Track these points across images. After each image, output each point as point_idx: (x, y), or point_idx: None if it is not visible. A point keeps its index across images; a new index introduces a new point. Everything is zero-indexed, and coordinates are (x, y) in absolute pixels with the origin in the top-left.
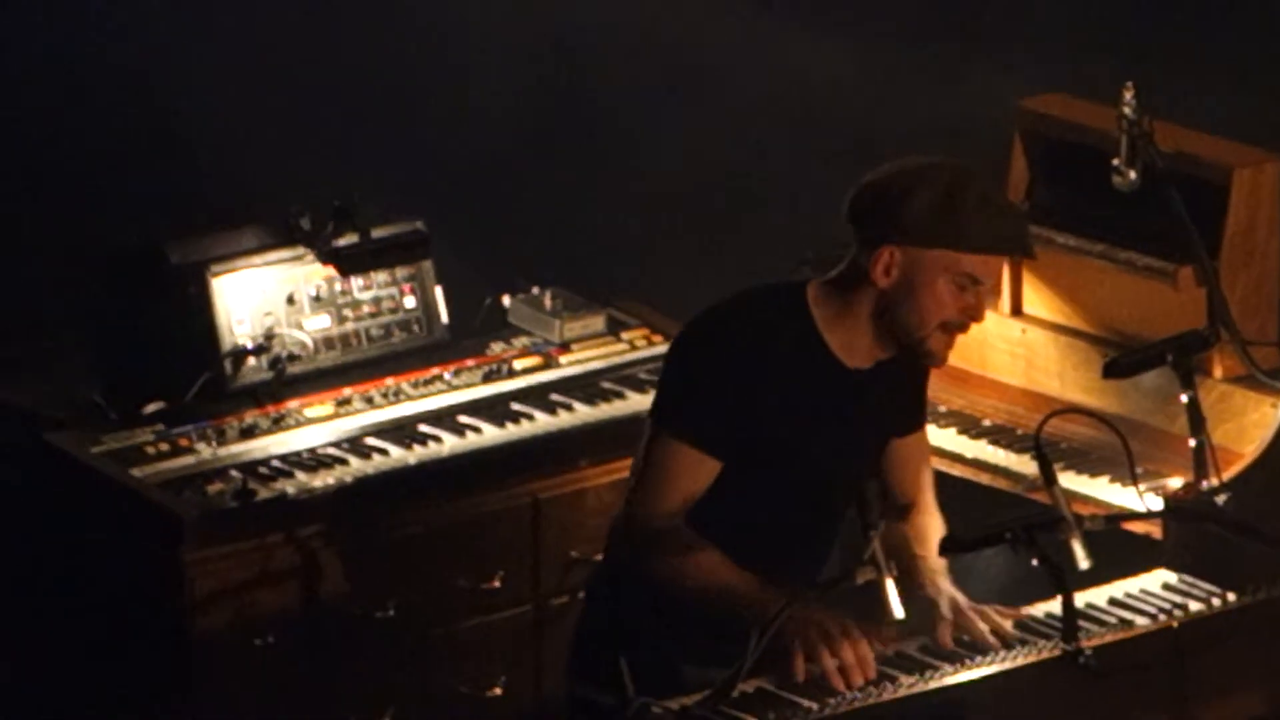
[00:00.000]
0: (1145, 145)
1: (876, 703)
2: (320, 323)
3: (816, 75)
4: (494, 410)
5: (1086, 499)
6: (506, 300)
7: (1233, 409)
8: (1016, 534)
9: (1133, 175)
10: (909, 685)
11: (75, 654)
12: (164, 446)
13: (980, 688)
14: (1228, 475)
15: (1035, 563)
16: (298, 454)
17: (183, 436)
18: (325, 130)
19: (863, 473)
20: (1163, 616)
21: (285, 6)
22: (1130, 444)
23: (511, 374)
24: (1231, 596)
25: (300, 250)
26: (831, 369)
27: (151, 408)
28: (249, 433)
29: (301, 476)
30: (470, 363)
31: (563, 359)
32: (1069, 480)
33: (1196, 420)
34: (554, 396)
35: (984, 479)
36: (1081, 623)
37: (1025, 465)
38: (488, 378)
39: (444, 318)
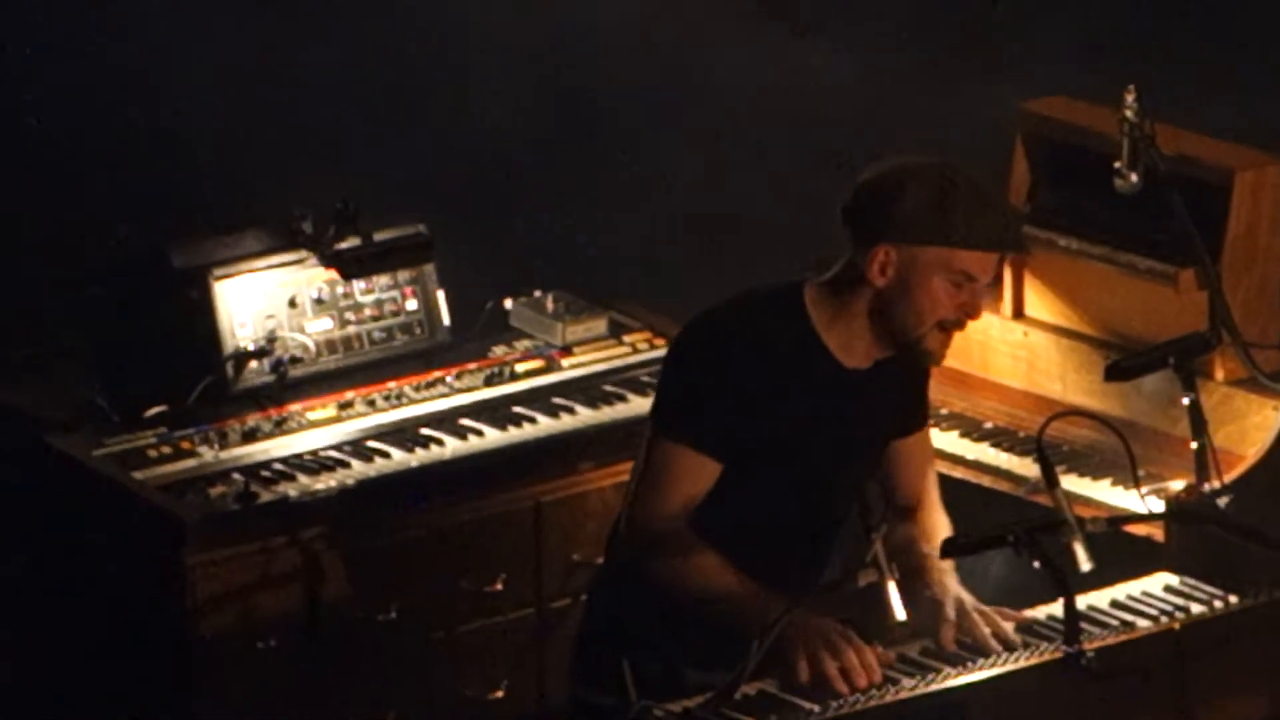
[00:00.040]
0: (1147, 148)
1: (878, 705)
2: (322, 326)
3: (818, 79)
4: (496, 413)
5: (1088, 501)
6: (508, 303)
7: (1234, 411)
8: (1018, 536)
9: (1134, 178)
10: (910, 687)
11: (77, 657)
12: (166, 449)
13: (982, 690)
14: (1229, 478)
15: (1037, 565)
16: (300, 457)
17: (185, 439)
18: (326, 131)
19: (863, 473)
20: (1164, 619)
21: (286, 9)
22: (1132, 446)
23: (513, 377)
24: (1233, 599)
25: (302, 253)
26: (830, 369)
27: (153, 411)
28: (251, 436)
29: (303, 479)
30: (472, 366)
31: (564, 362)
32: (1071, 483)
33: (1198, 423)
34: (556, 399)
35: (986, 481)
36: (1083, 625)
37: (1027, 468)
38: (489, 381)
39: (446, 321)
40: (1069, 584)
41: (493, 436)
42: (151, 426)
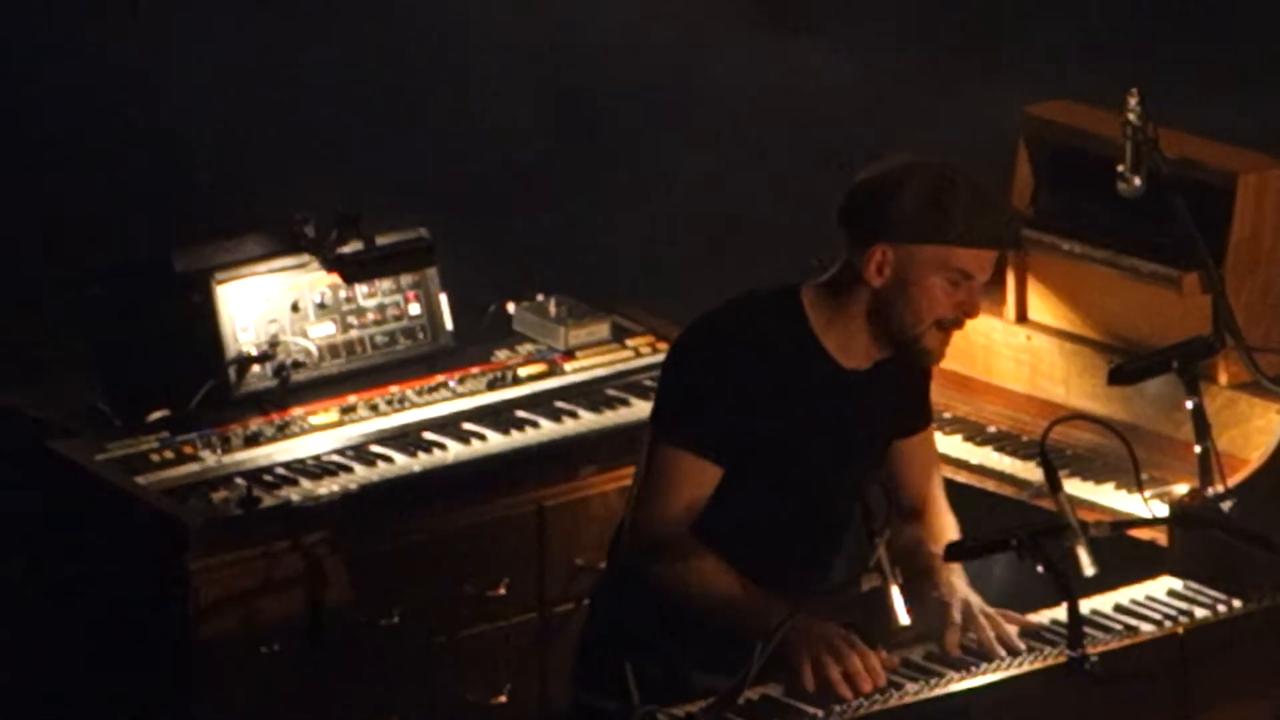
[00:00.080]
0: (1150, 151)
1: (882, 710)
2: (325, 330)
3: (818, 79)
4: (498, 417)
5: (1092, 505)
6: (511, 307)
7: (1238, 415)
8: (1021, 540)
9: (1137, 182)
10: (914, 692)
11: (79, 661)
12: (168, 454)
13: (985, 694)
14: (1233, 481)
15: (1040, 569)
16: (302, 461)
17: (187, 444)
18: (326, 131)
19: (864, 474)
20: (1168, 623)
21: (286, 9)
22: (1135, 450)
23: (516, 381)
24: (1237, 603)
25: (305, 258)
26: (829, 370)
27: (156, 415)
28: (253, 440)
29: (306, 484)
30: (475, 370)
31: (567, 366)
32: (1074, 487)
33: (1201, 426)
34: (558, 404)
35: (989, 485)
36: (1087, 629)
37: (1030, 472)
38: (492, 385)
39: (448, 325)
40: (1072, 588)
41: (495, 441)
42: (154, 431)
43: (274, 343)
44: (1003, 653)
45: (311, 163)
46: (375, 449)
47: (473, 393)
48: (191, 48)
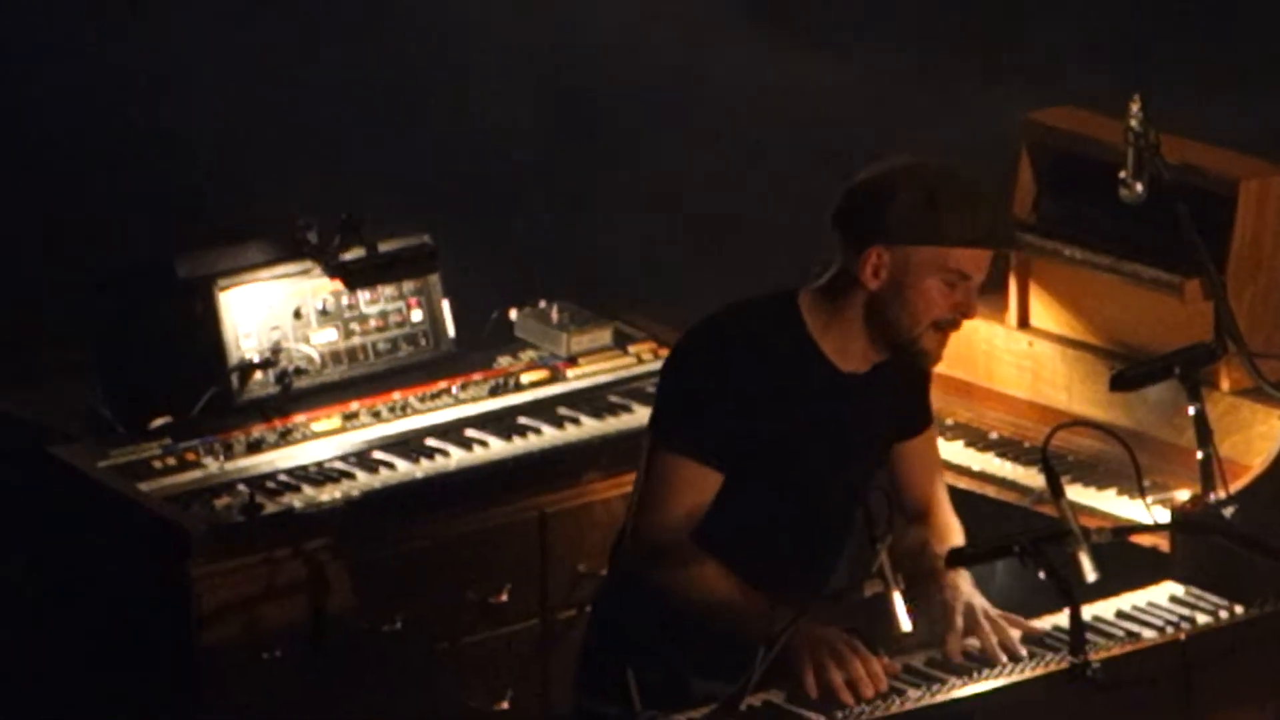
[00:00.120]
0: (1152, 158)
1: (884, 715)
2: (327, 336)
3: (818, 80)
4: (501, 424)
5: (1094, 511)
6: (513, 314)
7: (1240, 421)
8: (1024, 547)
9: (1139, 188)
10: (916, 698)
11: (82, 669)
12: (170, 460)
13: (988, 700)
14: (1235, 488)
15: (1042, 575)
16: (304, 468)
17: (189, 450)
18: (326, 132)
19: (864, 477)
20: (1170, 629)
21: (286, 10)
22: (1137, 456)
23: (518, 388)
24: (1239, 609)
25: (307, 264)
26: (827, 374)
27: (158, 422)
28: (256, 447)
29: (308, 490)
30: (477, 376)
31: (569, 372)
32: (1076, 493)
33: (1203, 433)
34: (561, 410)
35: (991, 492)
36: (1089, 635)
37: (1032, 478)
38: (494, 391)
39: (451, 331)
40: (1074, 594)
41: (498, 447)
42: (156, 437)
43: (276, 349)
44: (1005, 658)
45: (312, 163)
46: (378, 455)
47: (475, 399)
48: (192, 48)
